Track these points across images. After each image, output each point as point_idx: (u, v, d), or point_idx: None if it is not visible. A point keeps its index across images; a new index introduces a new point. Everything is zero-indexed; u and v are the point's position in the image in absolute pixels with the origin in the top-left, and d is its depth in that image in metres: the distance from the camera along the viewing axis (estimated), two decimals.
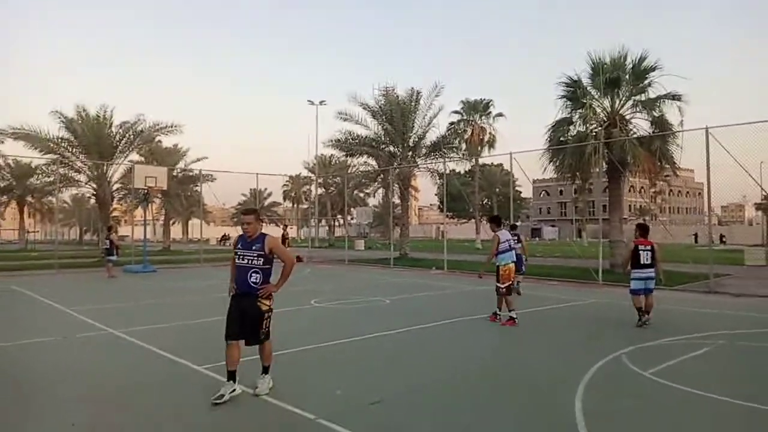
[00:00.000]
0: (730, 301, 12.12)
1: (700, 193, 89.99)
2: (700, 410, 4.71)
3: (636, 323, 8.59)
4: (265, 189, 58.36)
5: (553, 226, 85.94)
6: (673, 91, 17.22)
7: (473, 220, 53.21)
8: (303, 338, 7.52)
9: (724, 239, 48.42)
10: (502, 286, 9.00)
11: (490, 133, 45.40)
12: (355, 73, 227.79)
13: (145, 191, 21.83)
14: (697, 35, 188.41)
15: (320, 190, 52.89)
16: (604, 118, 18.40)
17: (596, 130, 18.24)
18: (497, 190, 64.01)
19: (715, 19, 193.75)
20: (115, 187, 29.59)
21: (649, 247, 8.84)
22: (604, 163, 17.94)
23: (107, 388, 5.30)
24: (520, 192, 67.53)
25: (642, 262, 8.75)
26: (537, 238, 73.84)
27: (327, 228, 58.88)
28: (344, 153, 30.56)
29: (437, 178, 28.08)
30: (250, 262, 4.90)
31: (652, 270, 8.79)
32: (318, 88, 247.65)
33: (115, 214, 43.37)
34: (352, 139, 27.85)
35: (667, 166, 18.21)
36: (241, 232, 5.08)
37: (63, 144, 25.92)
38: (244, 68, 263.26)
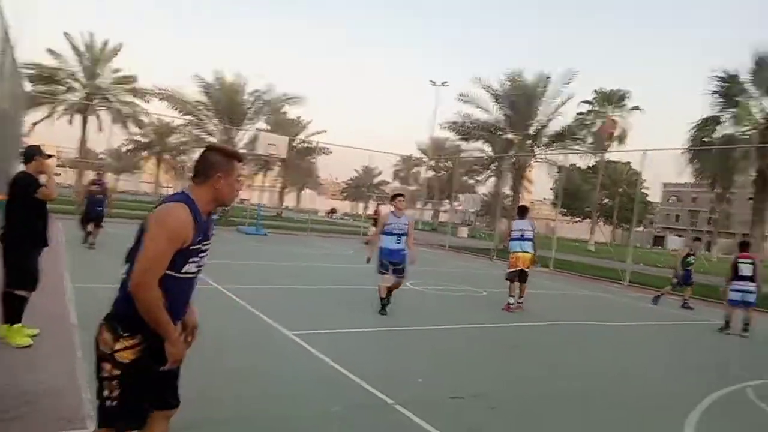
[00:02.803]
0: None
1: None
2: None
3: (718, 329, 9.04)
4: (376, 167, 59.20)
5: (679, 235, 78.67)
6: None
7: (588, 220, 50.07)
8: (393, 319, 7.35)
9: None
10: (508, 271, 9.29)
11: (621, 128, 42.06)
12: (479, 55, 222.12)
13: (266, 158, 22.96)
14: None
15: (430, 173, 52.64)
16: (762, 120, 16.15)
17: (749, 132, 16.11)
18: (621, 189, 59.53)
19: None
20: (240, 152, 31.55)
21: (749, 261, 9.09)
22: (752, 171, 15.84)
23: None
24: (647, 195, 62.42)
25: (741, 274, 9.02)
26: (660, 247, 68.06)
27: (432, 212, 58.64)
28: (459, 137, 29.94)
29: (555, 170, 26.61)
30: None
31: (753, 284, 8.96)
32: (438, 69, 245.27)
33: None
34: (470, 123, 27.15)
35: None
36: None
37: (200, 107, 28.01)
38: (367, 45, 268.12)
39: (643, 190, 54.77)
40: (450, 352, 6.05)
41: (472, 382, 5.05)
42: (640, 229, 74.73)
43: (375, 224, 20.93)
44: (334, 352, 5.24)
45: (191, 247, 2.09)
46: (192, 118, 27.45)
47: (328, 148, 34.18)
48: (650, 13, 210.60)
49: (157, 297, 2.01)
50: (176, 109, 27.90)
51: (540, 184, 51.15)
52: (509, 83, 25.59)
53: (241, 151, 31.33)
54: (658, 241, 75.05)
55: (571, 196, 45.28)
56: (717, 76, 16.77)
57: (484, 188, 46.86)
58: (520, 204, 10.67)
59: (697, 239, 14.21)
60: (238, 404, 3.85)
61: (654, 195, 71.60)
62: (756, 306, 9.20)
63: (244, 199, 44.65)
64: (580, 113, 37.50)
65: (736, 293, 9.02)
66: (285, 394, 4.20)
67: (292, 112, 39.52)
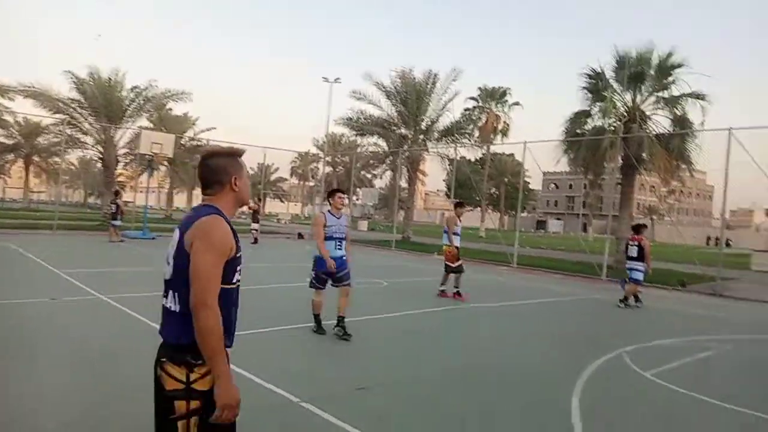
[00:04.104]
0: (736, 305, 11.82)
1: (710, 196, 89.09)
2: (700, 416, 4.45)
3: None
4: (273, 164, 58.02)
5: (558, 219, 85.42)
6: (698, 90, 16.78)
7: (479, 209, 52.81)
8: (288, 317, 7.27)
9: (730, 243, 48.14)
10: (457, 264, 9.75)
11: (504, 122, 44.78)
12: (371, 55, 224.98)
13: (151, 158, 21.59)
14: (722, 35, 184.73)
15: (328, 169, 52.56)
16: (624, 113, 17.98)
17: (615, 124, 17.86)
18: (506, 179, 63.40)
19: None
20: (121, 152, 29.37)
21: (635, 243, 10.36)
22: (619, 159, 17.56)
23: (81, 354, 5.09)
24: (529, 183, 66.97)
25: (629, 255, 10.40)
26: (542, 230, 73.40)
27: None
28: (355, 132, 30.24)
29: (447, 163, 27.74)
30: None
31: (637, 262, 10.24)
32: (331, 66, 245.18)
33: (120, 179, 43.26)
34: (364, 119, 27.53)
35: (684, 165, 17.80)
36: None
37: (73, 105, 25.63)
38: (257, 44, 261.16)
39: (525, 179, 58.71)
40: (353, 345, 6.10)
41: (376, 371, 5.15)
42: (525, 214, 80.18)
43: (254, 220, 20.59)
44: (236, 356, 5.07)
45: (237, 255, 2.03)
46: (64, 116, 25.07)
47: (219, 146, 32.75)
48: (521, 14, 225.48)
49: (219, 320, 1.89)
50: (45, 107, 25.37)
51: (433, 176, 53.09)
52: (399, 80, 26.26)
53: (122, 151, 29.28)
54: (541, 225, 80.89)
55: (463, 187, 47.51)
56: (586, 74, 18.37)
57: (381, 182, 47.79)
58: (457, 201, 11.10)
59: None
60: (136, 422, 3.61)
61: (535, 183, 77.11)
62: (642, 282, 10.44)
63: (128, 201, 41.66)
64: (467, 109, 39.43)
65: (628, 271, 10.39)
66: None
67: (178, 108, 37.56)
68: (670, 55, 17.23)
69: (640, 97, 17.99)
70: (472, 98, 43.88)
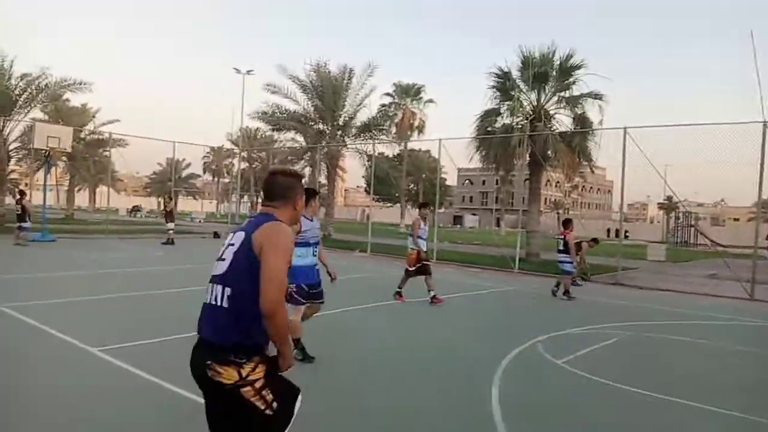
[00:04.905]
0: (636, 293, 12.82)
1: (609, 191, 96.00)
2: (609, 399, 4.80)
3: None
4: (183, 159, 55.41)
5: (474, 214, 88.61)
6: (596, 90, 17.92)
7: (399, 205, 53.63)
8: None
9: (627, 235, 52.03)
10: (417, 266, 9.56)
11: (420, 119, 45.73)
12: (286, 46, 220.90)
13: (47, 152, 19.89)
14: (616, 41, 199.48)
15: (243, 165, 51.11)
16: (530, 112, 18.86)
17: (522, 123, 18.66)
18: (424, 176, 64.83)
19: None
20: (13, 147, 26.82)
21: (561, 237, 11.10)
22: (527, 156, 18.41)
23: None
24: (445, 179, 68.80)
25: (557, 248, 11.16)
26: (459, 226, 75.80)
27: (249, 204, 57.10)
28: (271, 127, 29.57)
29: (365, 159, 27.83)
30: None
31: (562, 255, 10.95)
32: (245, 57, 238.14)
33: (13, 176, 39.50)
34: (280, 113, 26.96)
35: (585, 162, 19.00)
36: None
37: None
38: (167, 32, 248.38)
39: (442, 176, 60.27)
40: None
41: (301, 373, 5.06)
42: (442, 210, 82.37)
43: (169, 219, 19.57)
44: (148, 364, 4.81)
45: (290, 260, 2.22)
46: None
47: (124, 140, 30.80)
48: (439, 14, 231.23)
49: (287, 314, 2.14)
50: None
51: (353, 172, 53.26)
52: (315, 74, 25.95)
53: (14, 145, 26.75)
54: (457, 220, 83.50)
55: (382, 183, 48.02)
56: (494, 73, 19.06)
57: None
58: (422, 202, 10.94)
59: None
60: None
61: (451, 179, 79.46)
62: (571, 274, 11.20)
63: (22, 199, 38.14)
64: (384, 105, 39.87)
65: (559, 264, 11.10)
66: (97, 417, 3.75)
67: (76, 99, 34.90)
68: (570, 56, 18.20)
69: (544, 96, 18.89)
70: (388, 94, 44.52)
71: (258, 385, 2.08)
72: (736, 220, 75.48)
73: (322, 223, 27.11)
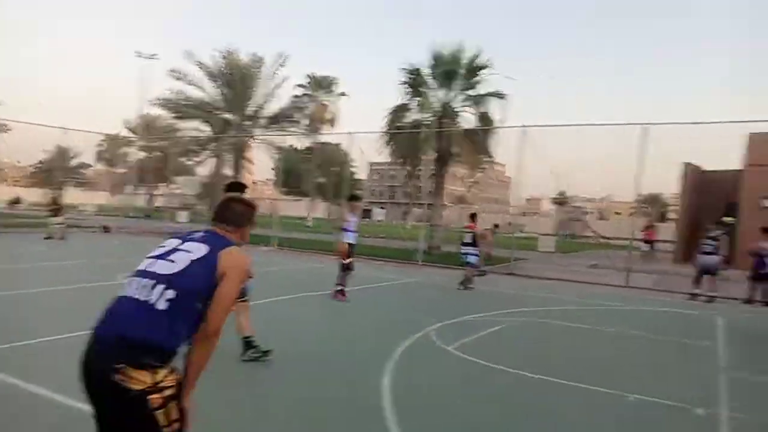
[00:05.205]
0: (526, 282, 13.84)
1: (508, 186, 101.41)
2: (493, 381, 5.22)
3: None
4: (75, 148, 51.13)
5: (382, 207, 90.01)
6: (498, 90, 18.93)
7: (307, 198, 53.29)
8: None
9: (522, 228, 55.52)
10: (349, 261, 9.22)
11: (332, 111, 45.67)
12: (197, 34, 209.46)
13: None
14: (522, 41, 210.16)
15: (142, 154, 48.28)
16: (438, 109, 19.56)
17: (430, 119, 19.32)
18: (334, 169, 64.78)
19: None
20: None
21: (469, 231, 11.70)
22: (434, 151, 19.12)
23: None
24: (355, 173, 69.19)
25: (463, 241, 11.72)
26: (367, 219, 76.65)
27: (148, 196, 53.96)
28: (174, 115, 28.18)
29: (275, 151, 27.41)
30: None
31: (469, 247, 11.56)
32: (148, 41, 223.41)
33: None
34: (184, 101, 25.80)
35: (487, 158, 20.09)
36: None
37: None
38: (58, 10, 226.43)
39: (352, 169, 60.61)
40: None
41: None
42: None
43: (55, 213, 18.11)
44: (28, 371, 4.53)
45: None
46: None
47: (5, 125, 27.99)
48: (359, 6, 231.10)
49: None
50: None
51: (261, 164, 52.02)
52: (223, 61, 25.17)
53: None
54: (366, 213, 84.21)
55: (291, 176, 47.46)
56: (405, 69, 19.51)
57: (204, 169, 45.24)
58: (351, 194, 10.18)
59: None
60: None
61: (362, 173, 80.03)
62: (475, 266, 11.76)
63: None
64: (296, 96, 39.37)
65: (461, 255, 11.66)
66: None
67: None
68: (476, 56, 18.99)
69: (451, 94, 19.60)
70: (301, 86, 44.06)
71: (167, 393, 1.92)
72: (618, 214, 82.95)
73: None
